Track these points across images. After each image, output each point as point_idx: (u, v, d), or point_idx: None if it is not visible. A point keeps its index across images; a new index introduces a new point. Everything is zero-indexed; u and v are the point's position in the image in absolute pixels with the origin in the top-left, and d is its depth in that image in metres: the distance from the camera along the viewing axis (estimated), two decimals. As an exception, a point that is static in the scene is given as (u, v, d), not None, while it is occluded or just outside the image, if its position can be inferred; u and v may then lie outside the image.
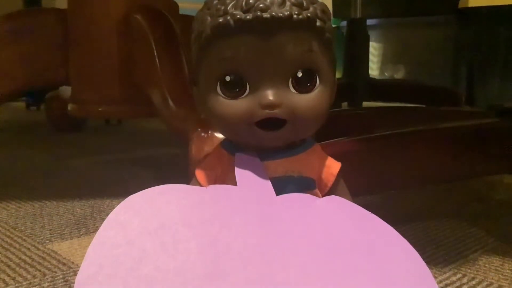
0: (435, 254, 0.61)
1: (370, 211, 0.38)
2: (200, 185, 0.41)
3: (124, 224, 0.36)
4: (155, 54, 0.82)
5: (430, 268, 0.36)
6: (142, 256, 0.35)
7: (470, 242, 0.66)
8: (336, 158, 0.42)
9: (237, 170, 0.38)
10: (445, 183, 0.82)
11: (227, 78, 0.37)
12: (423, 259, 0.36)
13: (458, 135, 0.72)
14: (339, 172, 0.41)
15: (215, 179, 0.41)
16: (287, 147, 0.39)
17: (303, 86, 0.37)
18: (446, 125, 0.75)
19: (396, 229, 0.37)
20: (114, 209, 0.36)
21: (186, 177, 0.44)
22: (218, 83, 0.37)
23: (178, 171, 0.54)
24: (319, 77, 0.37)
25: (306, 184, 0.40)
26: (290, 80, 0.37)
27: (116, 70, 0.90)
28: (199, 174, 0.42)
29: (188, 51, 0.42)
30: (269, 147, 0.39)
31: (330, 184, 0.41)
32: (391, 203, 0.78)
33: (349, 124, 0.77)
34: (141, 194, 0.37)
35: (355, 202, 0.39)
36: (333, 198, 0.39)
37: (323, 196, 0.40)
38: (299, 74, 0.37)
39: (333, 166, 0.41)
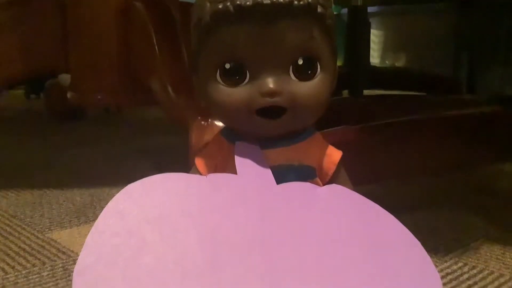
0: (436, 243, 0.61)
1: (371, 200, 0.38)
2: (200, 174, 0.41)
3: (123, 213, 0.36)
4: (154, 42, 0.82)
5: (431, 257, 0.36)
6: (141, 245, 0.35)
7: (472, 231, 0.65)
8: (337, 146, 0.41)
9: (237, 159, 0.38)
10: (448, 172, 0.82)
11: (227, 66, 0.36)
12: (424, 248, 0.36)
13: (460, 123, 0.72)
14: (340, 160, 0.41)
15: (215, 168, 0.40)
16: (287, 135, 0.39)
17: (303, 73, 0.36)
18: (448, 114, 0.74)
19: (397, 218, 0.37)
20: (113, 198, 0.36)
21: (186, 166, 0.44)
22: (218, 71, 0.37)
23: (178, 160, 0.53)
24: (320, 65, 0.37)
25: (307, 173, 0.39)
26: (291, 67, 0.36)
27: (115, 58, 0.89)
28: (199, 162, 0.41)
29: (188, 38, 0.41)
30: (270, 136, 0.38)
31: (331, 173, 0.40)
32: (392, 192, 0.78)
33: (350, 113, 0.76)
34: (140, 182, 0.37)
35: (356, 191, 0.38)
36: (334, 187, 0.38)
37: (324, 185, 0.39)
38: (300, 62, 0.36)
39: (334, 155, 0.41)
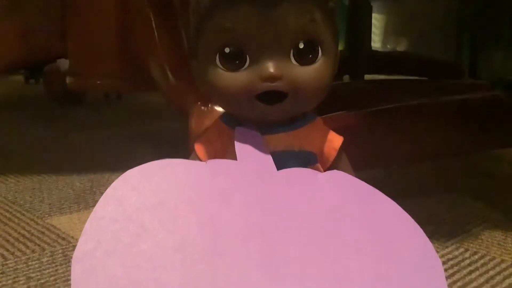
0: (438, 228, 0.61)
1: (372, 185, 0.37)
2: (200, 159, 0.40)
3: (122, 200, 0.35)
4: (153, 26, 0.81)
5: (432, 242, 0.36)
6: (140, 232, 0.35)
7: (473, 216, 0.65)
8: (338, 132, 0.41)
9: (237, 145, 0.38)
10: (449, 157, 0.82)
11: (227, 50, 0.36)
12: (426, 233, 0.36)
13: (462, 108, 0.71)
14: (341, 146, 0.40)
15: (214, 154, 0.40)
16: (288, 121, 0.38)
17: (305, 57, 0.36)
18: (450, 99, 0.74)
19: (398, 203, 0.37)
20: (112, 184, 0.36)
21: (186, 151, 0.43)
22: (217, 55, 0.36)
23: (178, 146, 0.53)
24: (321, 49, 0.36)
25: (308, 159, 0.39)
26: (292, 51, 0.36)
27: (114, 43, 0.89)
28: (199, 148, 0.41)
29: (187, 23, 0.40)
30: (270, 121, 0.38)
31: (332, 158, 0.40)
32: (394, 178, 0.77)
33: (351, 98, 0.76)
34: (139, 169, 0.36)
35: (357, 177, 0.38)
36: (335, 172, 0.38)
37: (325, 171, 0.39)
38: (301, 46, 0.36)
39: (335, 140, 0.40)
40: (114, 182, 0.36)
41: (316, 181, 0.37)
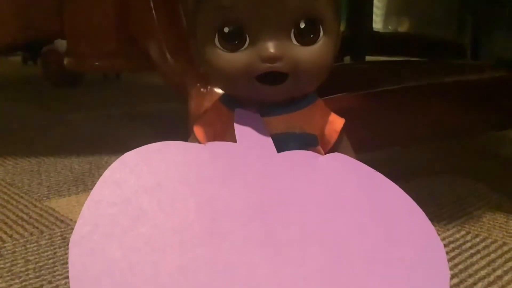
0: (439, 211, 0.60)
1: (373, 168, 0.37)
2: (199, 142, 0.40)
3: (120, 182, 0.35)
4: (152, 6, 0.80)
5: (433, 225, 0.35)
6: (138, 215, 0.34)
7: (475, 199, 0.65)
8: (339, 113, 0.40)
9: (237, 127, 0.37)
10: (451, 139, 0.81)
11: (226, 30, 0.35)
12: (427, 216, 0.35)
13: (465, 89, 0.71)
14: (342, 128, 0.39)
15: (214, 136, 0.39)
16: (288, 102, 0.37)
17: (306, 37, 0.35)
18: (453, 79, 0.73)
19: (399, 186, 0.36)
20: (109, 167, 0.35)
21: (185, 133, 0.43)
22: (216, 35, 0.35)
23: (178, 127, 0.52)
24: (323, 28, 0.35)
25: (308, 141, 0.38)
26: (292, 31, 0.35)
27: (112, 22, 0.87)
28: (198, 130, 0.40)
29: (186, 1, 0.39)
30: (270, 102, 0.37)
31: (333, 140, 0.39)
32: (395, 160, 0.77)
33: (352, 79, 0.75)
34: (137, 151, 0.36)
35: (358, 159, 0.37)
36: (336, 155, 0.37)
37: (326, 153, 0.38)
38: (302, 25, 0.35)
39: (336, 122, 0.40)
40: (112, 165, 0.35)
41: (317, 164, 0.37)
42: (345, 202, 0.36)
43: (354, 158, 0.38)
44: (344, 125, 0.40)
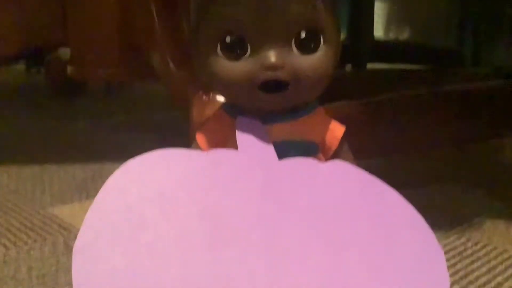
0: (439, 218, 0.60)
1: (374, 175, 0.37)
2: (201, 149, 0.40)
3: (123, 190, 0.35)
4: (154, 15, 0.80)
5: (433, 232, 0.35)
6: (141, 223, 0.35)
7: (475, 206, 0.65)
8: (340, 121, 0.40)
9: (239, 134, 0.37)
10: (451, 147, 0.81)
11: (227, 39, 0.35)
12: (427, 223, 0.36)
13: (466, 97, 0.71)
14: (343, 136, 0.40)
15: (216, 143, 0.40)
16: (290, 110, 0.38)
17: (306, 47, 0.35)
18: (453, 88, 0.73)
19: (399, 193, 0.36)
20: (112, 175, 0.35)
21: (187, 141, 0.43)
22: (218, 44, 0.36)
23: (180, 135, 0.53)
24: (323, 38, 0.36)
25: (309, 149, 0.39)
26: (293, 40, 0.35)
27: (115, 31, 0.88)
28: (200, 138, 0.41)
29: (188, 11, 0.40)
30: (272, 110, 0.37)
31: (333, 148, 0.40)
32: (395, 167, 0.77)
33: (353, 87, 0.75)
34: (139, 159, 0.36)
35: (358, 166, 0.38)
36: (336, 162, 0.38)
37: (326, 161, 0.39)
38: (303, 35, 0.35)
39: (336, 130, 0.40)
40: (114, 172, 0.36)
41: (318, 171, 0.37)
42: (346, 210, 0.36)
43: (354, 165, 0.38)
44: (345, 132, 0.40)
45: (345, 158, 0.39)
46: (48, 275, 0.50)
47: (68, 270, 0.49)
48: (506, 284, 0.47)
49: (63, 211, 0.65)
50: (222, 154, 0.37)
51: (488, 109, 0.71)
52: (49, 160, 0.86)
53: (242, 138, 0.37)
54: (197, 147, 0.40)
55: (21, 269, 0.51)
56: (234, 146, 0.37)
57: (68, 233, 0.59)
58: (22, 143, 1.01)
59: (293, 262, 0.34)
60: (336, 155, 0.40)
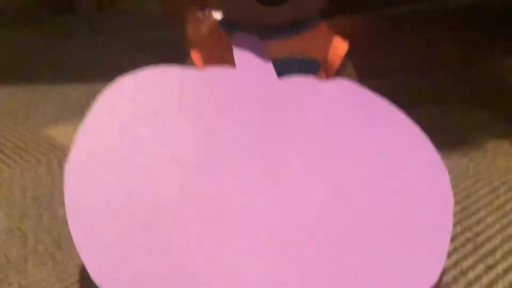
0: (442, 138, 0.59)
1: (378, 95, 0.35)
2: (196, 66, 0.38)
3: (115, 109, 0.34)
4: None
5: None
6: (135, 143, 0.33)
7: (479, 126, 0.64)
8: (344, 37, 0.38)
9: (236, 51, 0.35)
10: (456, 66, 0.79)
11: None
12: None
13: (473, 14, 0.68)
14: (346, 53, 0.38)
15: (212, 61, 0.38)
16: (290, 26, 0.36)
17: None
18: (459, 4, 0.70)
19: (404, 113, 0.35)
20: (103, 93, 0.34)
21: (183, 60, 0.41)
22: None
23: (175, 55, 0.50)
24: None
25: (311, 66, 0.37)
26: None
27: None
28: (195, 55, 0.39)
29: None
30: (271, 25, 0.35)
31: (336, 66, 0.38)
32: (400, 87, 0.75)
33: (357, 1, 0.72)
34: (132, 76, 0.35)
35: (362, 86, 0.36)
36: (339, 80, 0.36)
37: (328, 79, 0.37)
38: None
39: (339, 47, 0.38)
40: (105, 90, 0.34)
41: (320, 90, 0.35)
42: (349, 129, 0.35)
43: (357, 83, 0.37)
44: (348, 50, 0.38)
45: (348, 77, 0.37)
46: (42, 196, 0.49)
47: (63, 192, 0.48)
48: (509, 205, 0.46)
49: (57, 132, 0.64)
50: (218, 72, 0.35)
51: (494, 26, 0.69)
52: (40, 80, 0.84)
53: (240, 55, 0.35)
54: (193, 64, 0.39)
55: (15, 190, 0.50)
56: (231, 63, 0.35)
57: (62, 154, 0.58)
58: (13, 63, 0.98)
59: (294, 184, 0.33)
60: (339, 74, 0.38)
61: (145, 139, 0.33)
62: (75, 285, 0.36)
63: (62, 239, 0.42)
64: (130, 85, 0.34)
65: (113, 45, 1.11)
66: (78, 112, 0.70)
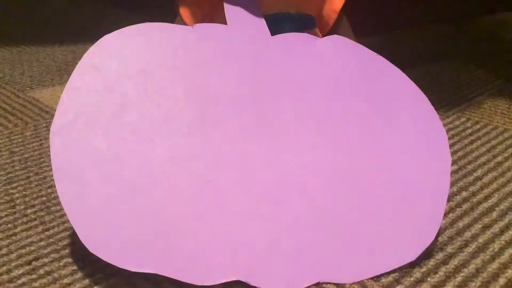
0: (439, 97, 0.58)
1: (374, 52, 0.34)
2: (185, 24, 0.36)
3: (100, 68, 0.32)
4: None
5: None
6: (123, 103, 0.32)
7: (476, 84, 0.63)
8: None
9: (227, 6, 0.34)
10: (452, 22, 0.77)
11: None
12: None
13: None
14: (342, 8, 0.36)
15: (202, 17, 0.36)
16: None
17: None
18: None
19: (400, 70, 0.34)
20: (87, 52, 0.32)
21: (173, 18, 0.39)
22: None
23: (165, 14, 0.49)
24: None
25: (305, 22, 0.36)
26: None
27: None
28: (184, 11, 0.37)
29: None
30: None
31: (331, 22, 0.37)
32: (396, 44, 0.74)
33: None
34: (116, 34, 0.33)
35: (358, 43, 0.35)
36: (335, 37, 0.34)
37: (323, 36, 0.36)
38: None
39: (335, 2, 0.37)
40: (90, 49, 0.32)
41: (314, 47, 0.34)
42: (345, 86, 0.34)
43: (354, 41, 0.35)
44: (344, 5, 0.37)
45: (344, 33, 0.36)
46: (30, 159, 0.48)
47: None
48: (506, 164, 0.45)
49: (43, 95, 0.62)
50: (209, 28, 0.34)
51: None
52: (26, 41, 0.82)
53: (231, 11, 0.34)
54: (182, 21, 0.37)
55: (3, 153, 0.49)
56: (222, 20, 0.34)
57: (50, 117, 0.56)
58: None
59: (287, 141, 0.32)
60: (334, 29, 0.37)
61: (133, 98, 0.32)
62: (66, 248, 0.36)
63: (51, 203, 0.41)
64: (116, 43, 0.33)
65: (101, 5, 1.08)
66: (65, 74, 0.69)
